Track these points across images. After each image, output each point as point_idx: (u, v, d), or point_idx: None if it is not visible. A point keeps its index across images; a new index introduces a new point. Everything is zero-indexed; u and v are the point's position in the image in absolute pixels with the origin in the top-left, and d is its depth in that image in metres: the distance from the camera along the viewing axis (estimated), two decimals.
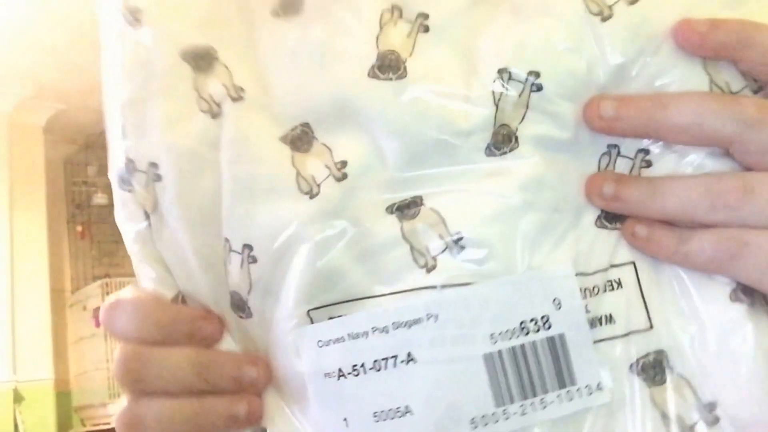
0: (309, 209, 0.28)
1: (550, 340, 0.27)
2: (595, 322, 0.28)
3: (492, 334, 0.27)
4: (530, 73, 0.28)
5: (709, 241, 0.27)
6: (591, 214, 0.29)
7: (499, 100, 0.28)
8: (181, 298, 0.33)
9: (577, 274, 0.28)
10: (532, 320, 0.27)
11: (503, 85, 0.28)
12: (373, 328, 0.28)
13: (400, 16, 0.29)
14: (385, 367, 0.27)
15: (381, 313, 0.28)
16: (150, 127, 0.32)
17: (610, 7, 0.28)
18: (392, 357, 0.27)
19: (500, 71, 0.28)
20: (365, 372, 0.28)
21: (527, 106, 0.28)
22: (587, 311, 0.28)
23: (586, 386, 0.27)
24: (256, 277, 0.30)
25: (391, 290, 0.28)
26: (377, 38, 0.29)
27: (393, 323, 0.27)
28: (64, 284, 4.71)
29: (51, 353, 4.28)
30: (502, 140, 0.28)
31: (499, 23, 0.29)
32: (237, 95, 0.30)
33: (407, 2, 0.29)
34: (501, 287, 0.27)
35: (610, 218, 0.29)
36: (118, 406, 0.33)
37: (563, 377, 0.27)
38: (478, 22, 0.29)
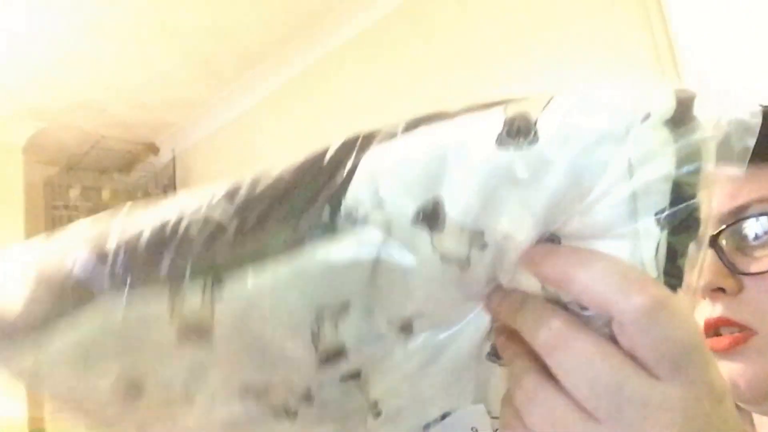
0: None
1: None
2: None
3: None
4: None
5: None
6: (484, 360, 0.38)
7: None
8: None
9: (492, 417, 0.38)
10: None
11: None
12: None
13: (323, 315, 0.34)
14: None
15: None
16: None
17: (467, 258, 0.32)
18: None
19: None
20: None
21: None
22: None
23: None
24: None
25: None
26: (315, 348, 0.34)
27: None
28: None
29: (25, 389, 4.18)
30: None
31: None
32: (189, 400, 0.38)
33: (326, 304, 0.33)
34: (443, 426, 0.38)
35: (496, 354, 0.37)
36: None
37: None
38: None
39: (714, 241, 0.65)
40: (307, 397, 0.37)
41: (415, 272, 0.32)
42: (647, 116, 0.30)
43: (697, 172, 0.31)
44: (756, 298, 0.63)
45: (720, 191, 0.66)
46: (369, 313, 0.34)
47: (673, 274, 0.33)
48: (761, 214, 0.64)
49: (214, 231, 0.32)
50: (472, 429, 0.36)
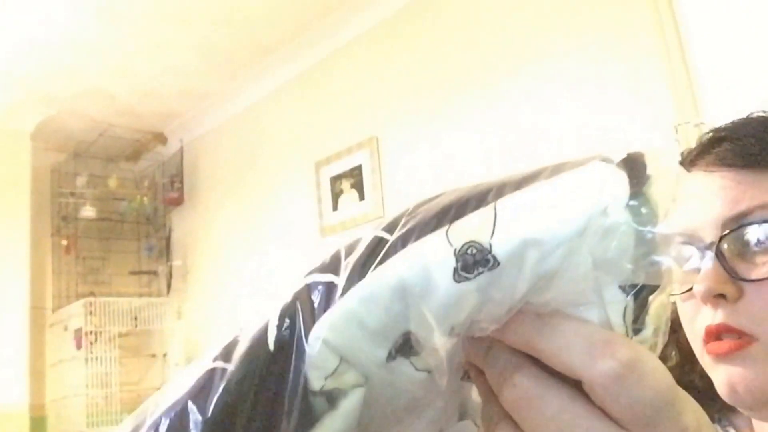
0: None
1: None
2: None
3: None
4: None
5: None
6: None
7: None
8: None
9: None
10: None
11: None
12: None
13: None
14: None
15: None
16: None
17: (452, 350, 0.33)
18: None
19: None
20: None
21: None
22: None
23: None
24: None
25: None
26: None
27: None
28: (45, 302, 4.68)
29: (27, 375, 4.24)
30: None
31: None
32: None
33: None
34: None
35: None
36: None
37: None
38: None
39: (716, 248, 0.65)
40: None
41: (404, 390, 0.33)
42: (604, 210, 0.30)
43: (654, 235, 0.31)
44: (756, 304, 0.63)
45: (722, 197, 0.67)
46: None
47: (638, 328, 0.33)
48: (763, 221, 0.64)
49: None
50: None
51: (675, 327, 0.73)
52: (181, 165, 4.82)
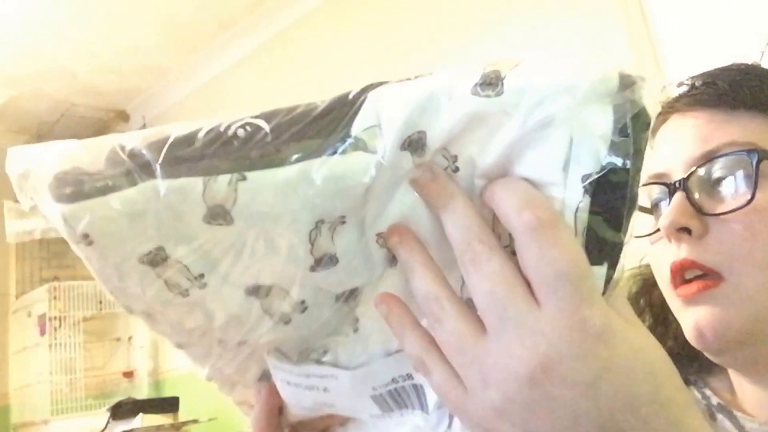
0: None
1: (414, 386, 0.46)
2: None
3: (374, 387, 0.47)
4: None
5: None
6: None
7: None
8: None
9: None
10: (400, 376, 0.45)
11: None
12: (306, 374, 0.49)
13: (323, 224, 0.40)
14: (316, 389, 0.49)
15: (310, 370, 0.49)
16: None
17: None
18: (318, 388, 0.49)
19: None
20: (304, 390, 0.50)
21: None
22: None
23: (434, 411, 0.46)
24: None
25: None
26: (311, 249, 0.40)
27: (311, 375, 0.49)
28: (8, 288, 4.63)
29: None
30: None
31: None
32: (201, 284, 0.43)
33: (325, 215, 0.39)
34: (379, 364, 0.46)
35: None
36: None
37: (423, 405, 0.47)
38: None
39: (684, 184, 0.66)
40: (302, 309, 0.43)
41: (400, 191, 0.39)
42: (590, 85, 0.34)
43: (629, 144, 0.34)
44: (721, 240, 0.64)
45: (693, 136, 0.68)
46: (361, 231, 0.40)
47: (599, 248, 0.36)
48: (729, 155, 0.65)
49: (252, 133, 0.39)
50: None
51: (648, 288, 0.78)
52: None
